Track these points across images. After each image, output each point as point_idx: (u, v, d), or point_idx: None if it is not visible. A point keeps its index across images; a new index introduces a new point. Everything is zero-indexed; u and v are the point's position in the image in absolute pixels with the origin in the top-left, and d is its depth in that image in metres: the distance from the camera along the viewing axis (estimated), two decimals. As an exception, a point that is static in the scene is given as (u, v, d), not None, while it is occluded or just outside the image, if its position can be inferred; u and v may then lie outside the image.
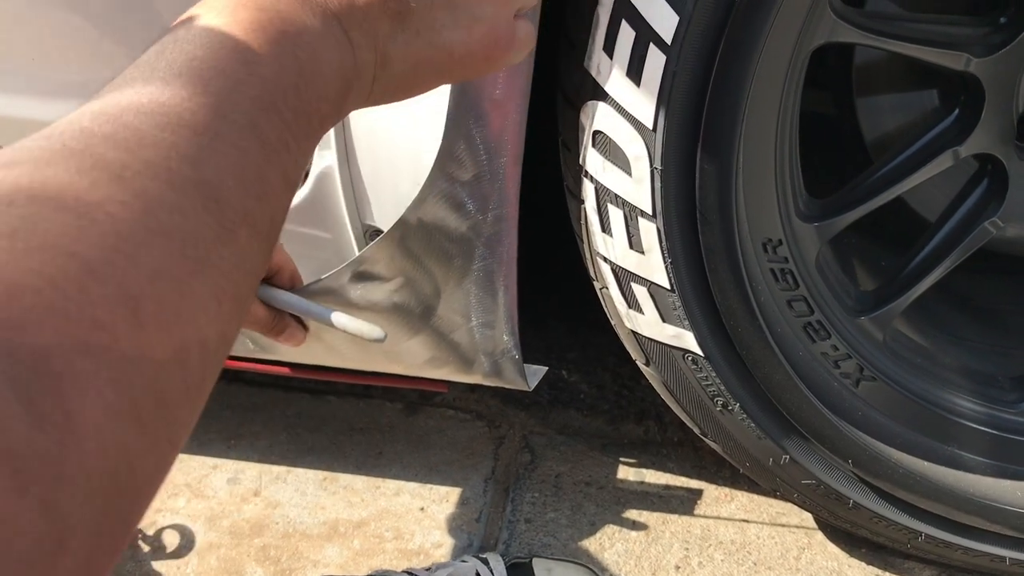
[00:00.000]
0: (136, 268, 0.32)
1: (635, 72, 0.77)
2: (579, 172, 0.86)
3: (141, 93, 0.37)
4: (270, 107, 0.40)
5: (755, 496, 1.20)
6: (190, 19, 0.42)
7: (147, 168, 0.34)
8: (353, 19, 0.47)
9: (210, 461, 1.24)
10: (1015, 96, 0.89)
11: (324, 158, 0.93)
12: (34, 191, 0.32)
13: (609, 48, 0.78)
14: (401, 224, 0.88)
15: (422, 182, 0.86)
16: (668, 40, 0.75)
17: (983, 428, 0.99)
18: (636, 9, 0.75)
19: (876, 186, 0.92)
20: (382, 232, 0.96)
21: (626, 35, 0.76)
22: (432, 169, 0.84)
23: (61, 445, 0.27)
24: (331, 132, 0.90)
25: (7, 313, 0.27)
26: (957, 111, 0.92)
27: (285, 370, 1.16)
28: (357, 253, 0.99)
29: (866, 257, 1.08)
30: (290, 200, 0.43)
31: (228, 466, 1.23)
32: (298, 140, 0.43)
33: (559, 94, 0.88)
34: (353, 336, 0.87)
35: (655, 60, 0.76)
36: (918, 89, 1.05)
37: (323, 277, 0.91)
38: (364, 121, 0.89)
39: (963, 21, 0.90)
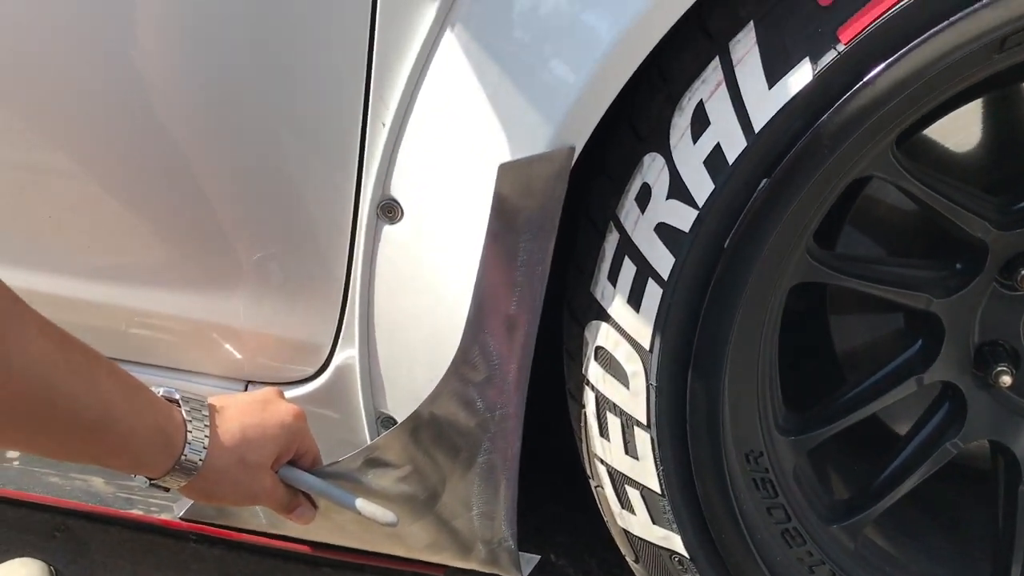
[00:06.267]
0: None
1: (635, 301, 0.87)
2: (581, 380, 0.95)
3: None
4: None
5: None
6: None
7: None
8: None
9: (205, 628, 1.26)
10: (971, 332, 0.99)
11: (347, 351, 1.01)
12: None
13: (613, 278, 0.88)
14: (415, 417, 0.96)
15: (436, 370, 0.94)
16: (665, 277, 0.85)
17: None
18: (638, 248, 0.86)
19: (847, 407, 1.01)
20: (393, 420, 1.04)
21: (628, 269, 0.87)
22: (448, 370, 0.93)
23: None
24: (356, 326, 0.99)
25: None
26: (920, 342, 1.02)
27: (280, 543, 1.20)
28: (367, 436, 1.06)
29: (840, 465, 1.16)
30: None
31: (223, 634, 1.25)
32: None
33: (566, 310, 0.97)
34: (367, 519, 0.93)
35: (653, 292, 0.86)
36: (887, 312, 1.15)
37: (338, 460, 0.98)
38: (386, 316, 0.98)
39: (924, 265, 1.01)
